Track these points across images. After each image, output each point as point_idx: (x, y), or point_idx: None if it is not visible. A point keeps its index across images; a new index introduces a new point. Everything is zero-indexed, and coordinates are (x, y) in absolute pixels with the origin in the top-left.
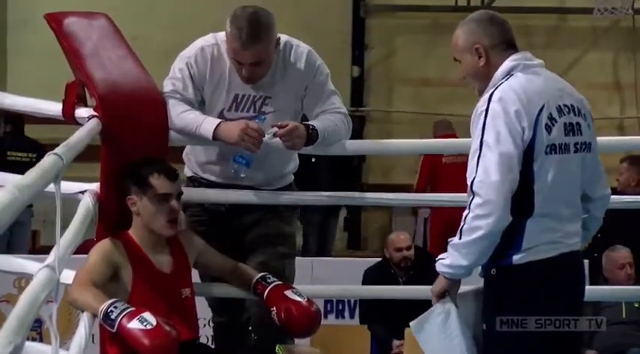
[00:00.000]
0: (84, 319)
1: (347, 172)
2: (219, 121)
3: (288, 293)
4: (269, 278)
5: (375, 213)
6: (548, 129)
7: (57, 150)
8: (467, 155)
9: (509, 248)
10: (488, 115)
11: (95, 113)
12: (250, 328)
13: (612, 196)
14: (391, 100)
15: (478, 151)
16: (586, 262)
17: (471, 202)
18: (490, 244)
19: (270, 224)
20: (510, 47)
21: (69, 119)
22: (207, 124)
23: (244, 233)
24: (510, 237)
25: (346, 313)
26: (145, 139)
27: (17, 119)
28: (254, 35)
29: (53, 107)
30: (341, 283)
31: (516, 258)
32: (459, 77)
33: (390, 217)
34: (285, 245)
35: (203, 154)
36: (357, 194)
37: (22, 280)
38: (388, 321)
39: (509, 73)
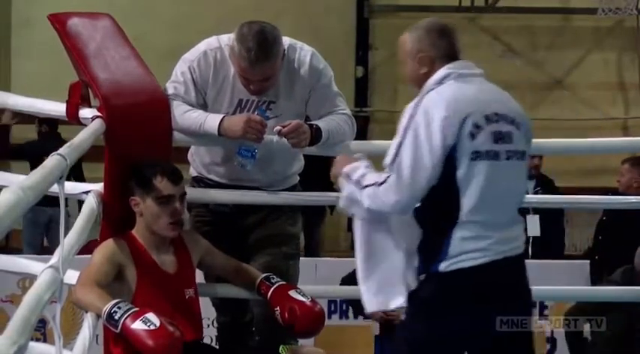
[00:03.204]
0: (88, 320)
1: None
2: (222, 116)
3: (292, 293)
4: (273, 278)
5: None
6: (472, 136)
7: (61, 150)
8: None
9: (437, 255)
10: (413, 120)
11: (99, 114)
12: (254, 328)
13: (614, 197)
14: (395, 100)
15: (395, 153)
16: (587, 262)
17: (379, 185)
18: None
19: (274, 225)
20: (452, 59)
21: (72, 120)
22: (211, 121)
23: (248, 234)
24: (438, 244)
25: (350, 314)
26: (149, 139)
27: (52, 119)
28: (263, 55)
29: (57, 107)
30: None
31: (443, 265)
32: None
33: None
34: (289, 245)
35: (207, 155)
36: None
37: (26, 280)
38: None
39: (441, 82)
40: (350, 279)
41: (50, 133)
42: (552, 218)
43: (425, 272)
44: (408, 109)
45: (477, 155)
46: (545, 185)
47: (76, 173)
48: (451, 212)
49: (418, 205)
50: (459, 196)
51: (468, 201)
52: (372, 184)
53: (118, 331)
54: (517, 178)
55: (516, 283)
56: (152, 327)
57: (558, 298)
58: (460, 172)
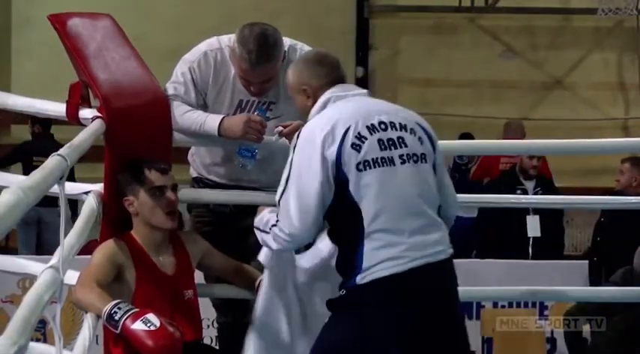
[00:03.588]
0: (88, 320)
1: None
2: (222, 116)
3: None
4: None
5: None
6: (357, 147)
7: (61, 151)
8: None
9: (352, 270)
10: (295, 150)
11: (99, 114)
12: None
13: (614, 198)
14: (395, 100)
15: (283, 186)
16: (585, 262)
17: (275, 225)
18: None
19: None
20: (336, 85)
21: (72, 120)
22: (211, 121)
23: (248, 234)
24: (351, 259)
25: None
26: (149, 139)
27: (45, 120)
28: (263, 57)
29: (57, 108)
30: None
31: (359, 278)
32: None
33: None
34: None
35: (208, 156)
36: None
37: (26, 280)
38: None
39: (323, 107)
40: None
41: (43, 134)
42: (552, 219)
43: (343, 287)
44: (293, 140)
45: (365, 165)
46: (544, 186)
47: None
48: (355, 226)
49: (330, 225)
50: (358, 208)
51: (367, 211)
52: (271, 226)
53: (118, 331)
54: (419, 181)
55: (438, 289)
56: (152, 327)
57: (558, 298)
58: (351, 185)
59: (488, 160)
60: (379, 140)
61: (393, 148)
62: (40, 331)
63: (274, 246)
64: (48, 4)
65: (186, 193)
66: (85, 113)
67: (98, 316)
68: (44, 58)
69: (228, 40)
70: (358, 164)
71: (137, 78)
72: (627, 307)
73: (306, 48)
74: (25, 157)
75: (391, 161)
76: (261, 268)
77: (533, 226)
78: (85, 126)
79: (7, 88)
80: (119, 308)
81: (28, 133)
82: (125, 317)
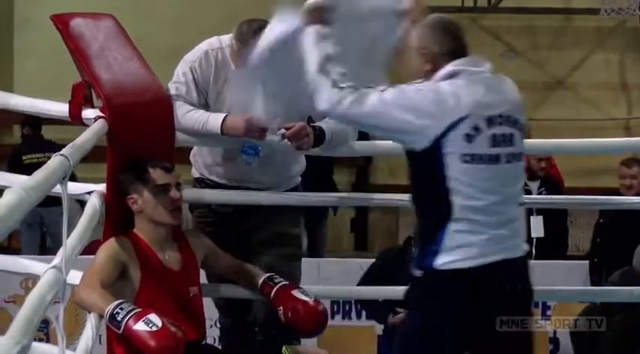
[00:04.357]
0: (91, 320)
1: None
2: (224, 115)
3: (295, 293)
4: (276, 278)
5: (382, 214)
6: (469, 138)
7: (64, 151)
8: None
9: (432, 247)
10: (420, 86)
11: (101, 114)
12: (257, 328)
13: (613, 197)
14: None
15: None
16: (586, 263)
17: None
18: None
19: (276, 225)
20: (459, 55)
21: (75, 120)
22: (214, 120)
23: (250, 234)
24: (433, 236)
25: (353, 314)
26: (152, 139)
27: (35, 121)
28: None
29: (59, 108)
30: (348, 283)
31: (439, 262)
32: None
33: (397, 218)
34: (291, 246)
35: (209, 156)
36: (364, 195)
37: (29, 280)
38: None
39: (448, 78)
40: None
41: (33, 135)
42: (556, 219)
43: (421, 268)
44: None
45: (471, 158)
46: (549, 186)
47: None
48: (444, 208)
49: (416, 194)
50: (450, 194)
51: (461, 200)
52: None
53: (120, 331)
54: (515, 180)
55: (515, 285)
56: (154, 328)
57: (558, 298)
58: (450, 171)
59: None
60: (493, 135)
61: (502, 145)
62: (43, 331)
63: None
64: (49, 4)
65: (188, 194)
66: (88, 113)
67: (101, 316)
68: (46, 58)
69: (229, 39)
70: (465, 155)
71: (139, 78)
72: (627, 307)
73: None
74: (16, 161)
75: (497, 159)
76: (262, 268)
77: (537, 227)
78: (88, 126)
79: (10, 88)
80: (121, 308)
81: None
82: (127, 318)
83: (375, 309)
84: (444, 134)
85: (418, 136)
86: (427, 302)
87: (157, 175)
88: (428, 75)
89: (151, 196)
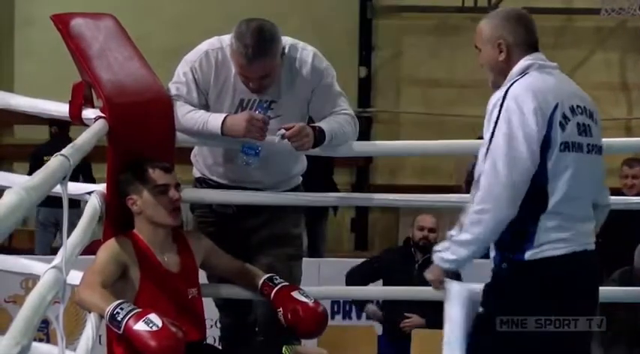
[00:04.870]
0: (91, 320)
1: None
2: (224, 115)
3: (295, 294)
4: (276, 279)
5: (382, 214)
6: (562, 127)
7: (64, 151)
8: None
9: (522, 244)
10: (503, 109)
11: (102, 114)
12: (257, 329)
13: (615, 198)
14: (398, 100)
15: (488, 144)
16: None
17: (475, 195)
18: (487, 240)
19: (276, 226)
20: (531, 48)
21: (76, 120)
22: (214, 120)
23: (251, 235)
24: (523, 233)
25: (353, 314)
26: (152, 139)
27: (63, 121)
28: (260, 52)
29: (59, 108)
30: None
31: (529, 254)
32: (479, 64)
33: (398, 218)
34: (292, 246)
35: (210, 156)
36: (364, 195)
37: (29, 280)
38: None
39: (524, 72)
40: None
41: (60, 135)
42: None
43: (506, 261)
44: (495, 98)
45: (565, 146)
46: None
47: (84, 173)
48: (539, 202)
49: None
50: (546, 186)
51: (556, 192)
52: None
53: (120, 332)
54: (597, 173)
55: (593, 277)
56: (154, 328)
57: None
58: (550, 163)
59: None
60: (578, 124)
61: (584, 134)
62: (43, 331)
63: (478, 228)
64: (50, 4)
65: (189, 194)
66: (88, 113)
67: (101, 316)
68: (47, 58)
69: (229, 39)
70: (562, 144)
71: (140, 78)
72: (627, 307)
73: (309, 48)
74: (37, 160)
75: (581, 148)
76: (263, 269)
77: None
78: (88, 126)
79: (10, 88)
80: (121, 309)
81: (33, 133)
82: (128, 318)
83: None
84: (548, 130)
85: (540, 135)
86: (521, 293)
87: (156, 175)
88: (503, 66)
89: (150, 197)
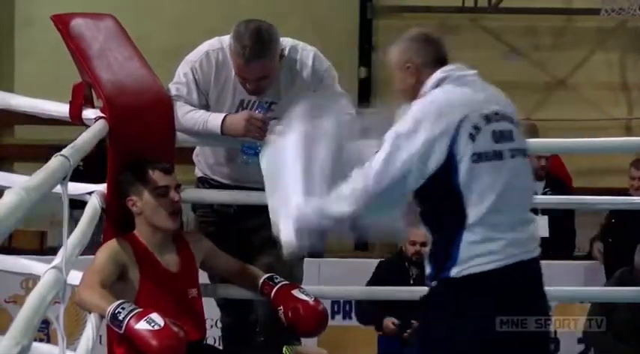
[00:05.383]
0: (91, 321)
1: None
2: (224, 114)
3: (296, 293)
4: (276, 278)
5: None
6: (472, 138)
7: (64, 151)
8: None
9: (447, 261)
10: (412, 113)
11: (102, 114)
12: (258, 329)
13: (620, 198)
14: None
15: (390, 138)
16: (587, 263)
17: (361, 175)
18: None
19: None
20: (442, 64)
21: (76, 120)
22: (214, 120)
23: (252, 235)
24: (448, 249)
25: (353, 314)
26: (152, 139)
27: None
28: (258, 53)
29: (60, 108)
30: (348, 283)
31: (455, 271)
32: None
33: None
34: None
35: (212, 156)
36: None
37: (30, 281)
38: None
39: (437, 85)
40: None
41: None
42: (562, 219)
43: (435, 279)
44: (400, 113)
45: (478, 157)
46: (555, 186)
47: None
48: (457, 217)
49: (425, 211)
50: (462, 200)
51: (475, 204)
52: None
53: (122, 331)
54: (524, 176)
55: (530, 288)
56: (156, 327)
57: (558, 298)
58: (461, 176)
59: None
60: (494, 132)
61: (503, 141)
62: (44, 332)
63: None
64: (51, 4)
65: (190, 194)
66: (88, 114)
67: (102, 317)
68: (47, 58)
69: (229, 39)
70: (473, 155)
71: (140, 78)
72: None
73: (308, 48)
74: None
75: (501, 156)
76: (264, 268)
77: (542, 227)
78: (88, 126)
79: (10, 88)
80: (122, 308)
81: (34, 133)
82: (129, 317)
83: (367, 312)
84: (452, 143)
85: (437, 153)
86: (447, 309)
87: (156, 176)
88: (417, 88)
89: (150, 198)
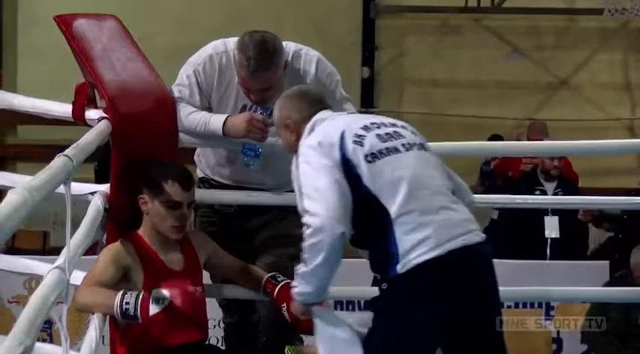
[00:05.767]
0: (94, 321)
1: None
2: (226, 116)
3: None
4: (278, 277)
5: None
6: (359, 144)
7: (67, 152)
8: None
9: (389, 258)
10: (300, 165)
11: (105, 115)
12: (260, 329)
13: (622, 198)
14: (401, 101)
15: (299, 198)
16: (607, 263)
17: (304, 233)
18: (331, 267)
19: (279, 226)
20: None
21: (79, 121)
22: (215, 121)
23: (253, 235)
24: (385, 249)
25: None
26: (155, 140)
27: None
28: (262, 65)
29: (63, 109)
30: (349, 283)
31: (399, 267)
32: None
33: None
34: (294, 246)
35: (213, 156)
36: None
37: (33, 281)
38: None
39: (311, 130)
40: None
41: None
42: (574, 220)
43: (385, 281)
44: (294, 160)
45: (372, 157)
46: (565, 187)
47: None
48: (380, 216)
49: (352, 232)
50: (377, 198)
51: (388, 198)
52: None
53: (140, 321)
54: (428, 164)
55: (478, 274)
56: (166, 302)
57: (558, 298)
58: (365, 178)
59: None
60: (377, 135)
61: (392, 139)
62: (47, 332)
63: (309, 266)
64: (54, 5)
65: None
66: (91, 114)
67: (104, 316)
68: (50, 58)
69: (235, 43)
70: (366, 156)
71: (143, 79)
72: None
73: (312, 53)
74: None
75: (396, 150)
76: (266, 268)
77: (552, 227)
78: (91, 127)
79: (13, 88)
80: (127, 303)
81: (36, 133)
82: (139, 309)
83: None
84: (343, 154)
85: (334, 168)
86: (395, 303)
87: (173, 190)
88: (297, 143)
89: (161, 208)
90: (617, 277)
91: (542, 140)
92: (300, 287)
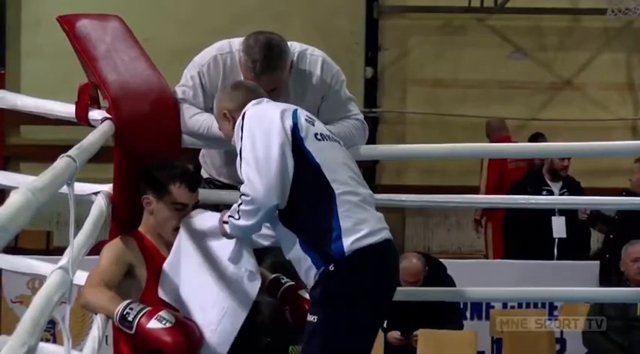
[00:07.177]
0: (97, 321)
1: None
2: None
3: (302, 292)
4: (282, 279)
5: (388, 214)
6: (311, 123)
7: (70, 152)
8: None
9: (331, 233)
10: (245, 127)
11: (108, 115)
12: (264, 329)
13: (624, 198)
14: (404, 100)
15: (239, 161)
16: (597, 263)
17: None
18: (260, 226)
19: None
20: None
21: (82, 121)
22: None
23: None
24: (329, 224)
25: None
26: (158, 140)
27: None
28: (268, 66)
29: (66, 109)
30: None
31: (345, 244)
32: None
33: (404, 218)
34: None
35: (218, 157)
36: None
37: (36, 281)
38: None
39: (245, 108)
40: None
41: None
42: (575, 219)
43: (331, 262)
44: (238, 121)
45: (322, 136)
46: (571, 187)
47: None
48: (325, 190)
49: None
50: (323, 173)
51: (331, 174)
52: (238, 206)
53: (132, 332)
54: (352, 161)
55: (396, 264)
56: (168, 324)
57: (558, 298)
58: (314, 153)
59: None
60: (306, 119)
61: (323, 133)
62: (50, 332)
63: (242, 223)
64: (57, 5)
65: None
66: (95, 114)
67: (108, 317)
68: (53, 58)
69: (239, 44)
70: (316, 135)
71: (146, 79)
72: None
73: (317, 53)
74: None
75: (333, 140)
76: (269, 268)
77: (559, 227)
78: (95, 127)
79: (17, 88)
80: (131, 309)
81: (36, 133)
82: (139, 317)
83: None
84: (295, 125)
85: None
86: (345, 289)
87: (180, 192)
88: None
89: (166, 210)
90: (614, 279)
91: (506, 137)
92: (230, 229)
